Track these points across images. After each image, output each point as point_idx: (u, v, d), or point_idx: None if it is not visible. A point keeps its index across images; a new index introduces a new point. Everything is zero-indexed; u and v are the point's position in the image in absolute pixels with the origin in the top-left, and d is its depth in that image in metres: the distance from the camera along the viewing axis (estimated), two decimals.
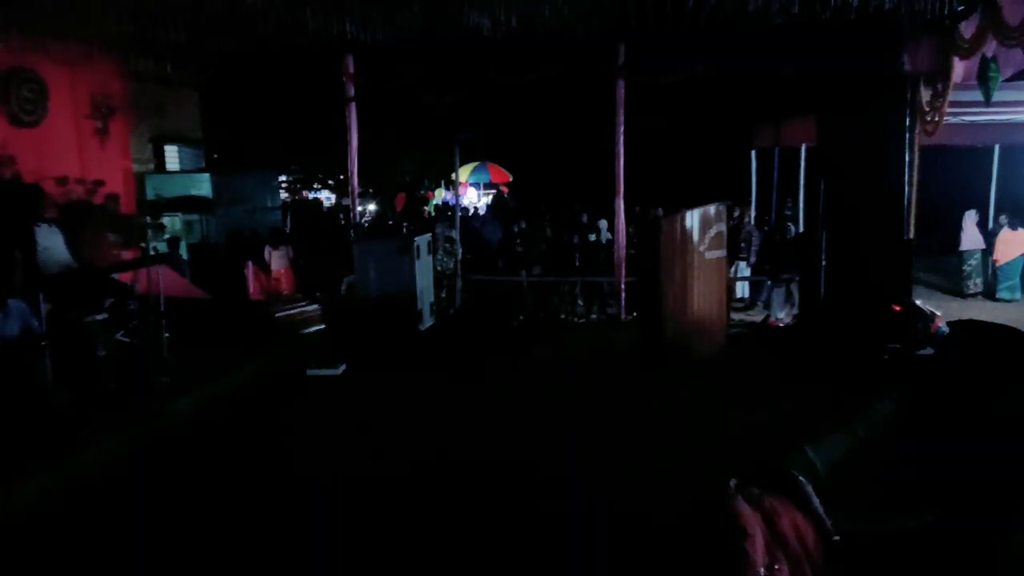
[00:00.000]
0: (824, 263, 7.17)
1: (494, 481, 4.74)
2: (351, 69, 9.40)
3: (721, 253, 7.75)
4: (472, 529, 4.13)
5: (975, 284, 11.95)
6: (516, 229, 12.35)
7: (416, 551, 3.95)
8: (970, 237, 11.93)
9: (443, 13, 7.22)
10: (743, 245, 11.48)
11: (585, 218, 12.45)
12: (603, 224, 11.75)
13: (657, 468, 4.92)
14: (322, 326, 8.75)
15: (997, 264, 11.53)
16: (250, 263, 9.15)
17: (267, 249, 9.67)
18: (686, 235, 7.29)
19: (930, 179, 8.86)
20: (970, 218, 12.08)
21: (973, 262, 11.91)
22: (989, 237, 12.04)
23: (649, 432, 5.62)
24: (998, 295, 11.47)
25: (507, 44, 7.70)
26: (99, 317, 5.86)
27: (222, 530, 4.21)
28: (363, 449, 5.41)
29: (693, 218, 7.32)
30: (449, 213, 13.52)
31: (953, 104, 7.28)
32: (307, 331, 8.60)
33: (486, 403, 6.40)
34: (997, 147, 13.27)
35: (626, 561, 3.79)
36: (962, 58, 6.81)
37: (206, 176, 9.94)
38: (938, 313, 7.28)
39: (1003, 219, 11.89)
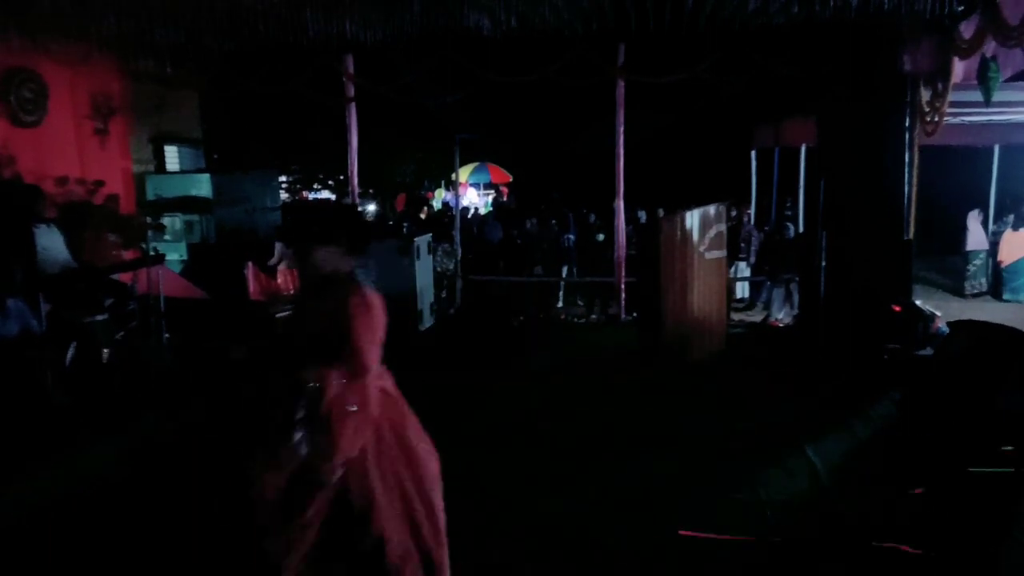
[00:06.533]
0: (824, 263, 7.17)
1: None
2: (351, 69, 9.40)
3: (721, 253, 7.75)
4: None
5: (979, 284, 11.95)
6: (516, 232, 12.37)
7: None
8: (975, 237, 11.93)
9: (443, 13, 7.22)
10: (743, 245, 11.50)
11: (592, 218, 12.48)
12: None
13: (651, 473, 4.91)
14: None
15: (1002, 265, 11.54)
16: (250, 263, 9.14)
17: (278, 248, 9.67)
18: (686, 235, 7.29)
19: (930, 179, 8.87)
20: (974, 218, 12.09)
21: (978, 262, 11.91)
22: (992, 237, 12.06)
23: (644, 434, 5.62)
24: (1004, 296, 11.48)
25: (507, 44, 7.70)
26: (99, 317, 5.86)
27: (216, 536, 4.20)
28: None
29: (693, 218, 7.32)
30: (446, 219, 13.52)
31: (953, 104, 7.28)
32: None
33: (484, 405, 6.39)
34: (997, 147, 13.28)
35: None
36: (962, 58, 6.81)
37: (206, 176, 9.92)
38: (938, 313, 7.29)
39: (1008, 219, 11.89)
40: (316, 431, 2.63)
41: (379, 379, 2.82)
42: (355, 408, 2.64)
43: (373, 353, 2.72)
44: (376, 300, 2.80)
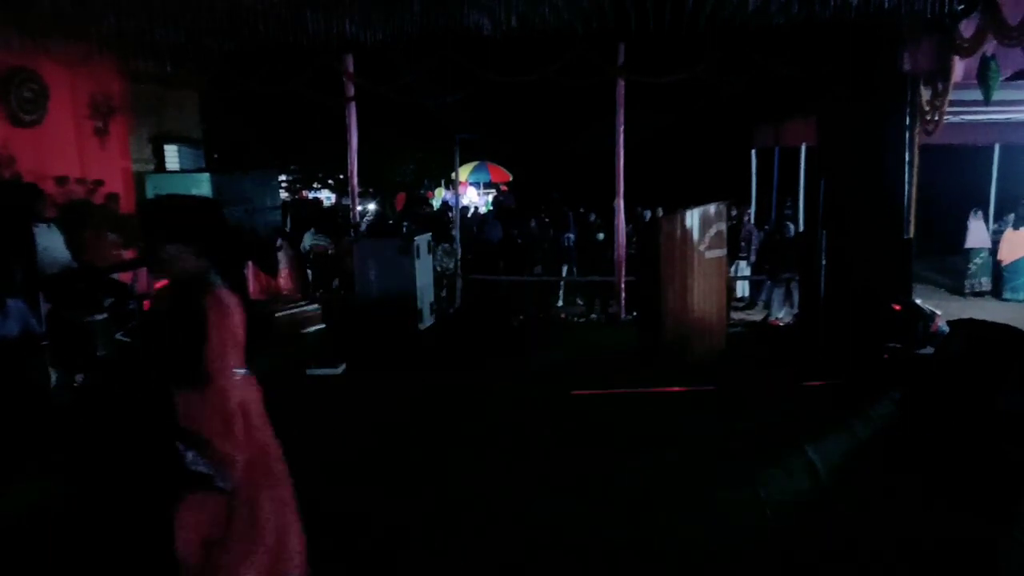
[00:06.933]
0: (824, 263, 7.17)
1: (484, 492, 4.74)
2: (351, 69, 9.40)
3: (721, 252, 7.74)
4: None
5: (981, 283, 11.96)
6: (516, 231, 12.36)
7: None
8: (975, 235, 11.95)
9: (443, 13, 7.22)
10: (743, 245, 11.50)
11: (592, 217, 12.49)
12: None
13: (650, 480, 4.91)
14: (322, 326, 8.75)
15: (1002, 264, 11.56)
16: (250, 263, 9.14)
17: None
18: (686, 234, 7.28)
19: (930, 179, 8.88)
20: (975, 216, 12.10)
21: (979, 260, 11.92)
22: (993, 236, 12.07)
23: (644, 434, 5.62)
24: (1004, 295, 11.49)
25: (507, 44, 7.70)
26: (99, 317, 5.86)
27: None
28: (363, 455, 5.40)
29: (693, 217, 7.32)
30: (447, 217, 13.53)
31: (953, 104, 7.28)
32: (307, 331, 8.60)
33: (484, 405, 6.38)
34: (997, 147, 13.29)
35: None
36: (962, 57, 6.82)
37: (206, 176, 9.94)
38: (938, 312, 7.29)
39: (1009, 218, 11.91)
40: (192, 443, 2.54)
41: (245, 383, 2.70)
42: (224, 416, 2.55)
43: (232, 357, 2.59)
44: (233, 302, 2.63)
